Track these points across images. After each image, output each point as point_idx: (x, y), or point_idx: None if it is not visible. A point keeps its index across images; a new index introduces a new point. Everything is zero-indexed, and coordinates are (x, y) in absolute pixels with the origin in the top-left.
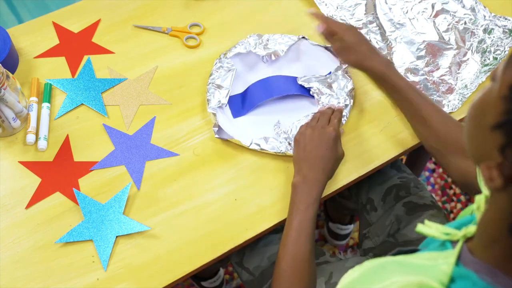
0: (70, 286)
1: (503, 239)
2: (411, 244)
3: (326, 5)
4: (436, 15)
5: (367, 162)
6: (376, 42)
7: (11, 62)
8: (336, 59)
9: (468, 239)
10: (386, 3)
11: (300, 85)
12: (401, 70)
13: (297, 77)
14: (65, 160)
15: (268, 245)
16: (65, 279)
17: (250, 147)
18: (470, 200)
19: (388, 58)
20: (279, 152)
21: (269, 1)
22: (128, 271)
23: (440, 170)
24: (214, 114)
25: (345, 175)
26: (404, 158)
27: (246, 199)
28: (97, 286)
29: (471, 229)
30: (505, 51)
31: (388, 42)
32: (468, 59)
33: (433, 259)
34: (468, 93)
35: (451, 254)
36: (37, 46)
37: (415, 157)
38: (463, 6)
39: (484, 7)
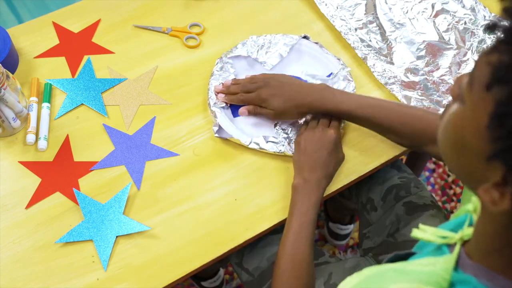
0: (70, 286)
1: (505, 249)
2: (411, 244)
3: (326, 5)
4: (436, 15)
5: (367, 162)
6: (376, 42)
7: (11, 62)
8: (337, 60)
9: (464, 242)
10: (386, 3)
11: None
12: (401, 70)
13: (299, 77)
14: (65, 160)
15: (267, 246)
16: (65, 279)
17: (249, 146)
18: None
19: (388, 58)
20: (278, 152)
21: (269, 1)
22: (128, 271)
23: (440, 170)
24: (215, 113)
25: (345, 175)
26: (404, 158)
27: (246, 199)
28: (97, 286)
29: (468, 231)
30: None
31: (388, 42)
32: (468, 59)
33: (431, 264)
34: None
35: (449, 259)
36: (37, 46)
37: (415, 157)
38: (463, 6)
39: (484, 7)
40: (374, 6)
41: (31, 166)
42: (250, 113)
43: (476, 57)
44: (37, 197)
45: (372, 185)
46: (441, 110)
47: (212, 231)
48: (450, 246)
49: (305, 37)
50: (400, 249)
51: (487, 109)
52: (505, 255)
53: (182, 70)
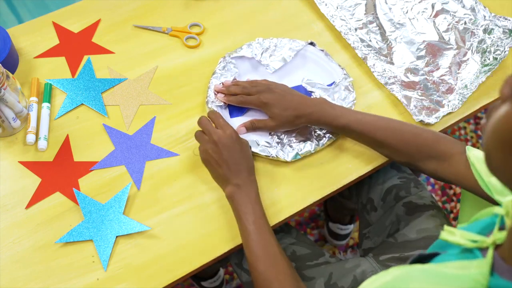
0: (70, 286)
1: None
2: (411, 244)
3: (326, 5)
4: (436, 15)
5: (367, 162)
6: (376, 42)
7: (11, 62)
8: (341, 69)
9: (497, 246)
10: (386, 3)
11: (303, 89)
12: (401, 70)
13: (300, 85)
14: (65, 160)
15: None
16: (65, 279)
17: None
18: None
19: (388, 58)
20: (270, 156)
21: (269, 1)
22: (128, 271)
23: None
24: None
25: (345, 175)
26: None
27: None
28: (97, 286)
29: (500, 235)
30: (505, 51)
31: (388, 42)
32: (468, 59)
33: (465, 268)
34: (468, 93)
35: (484, 263)
36: (37, 46)
37: None
38: (463, 6)
39: (484, 7)
40: (374, 6)
41: (31, 166)
42: (248, 130)
43: (476, 57)
44: (37, 197)
45: (372, 185)
46: (441, 110)
47: (212, 231)
48: (482, 250)
49: (311, 43)
50: (400, 249)
51: None
52: None
53: (182, 70)
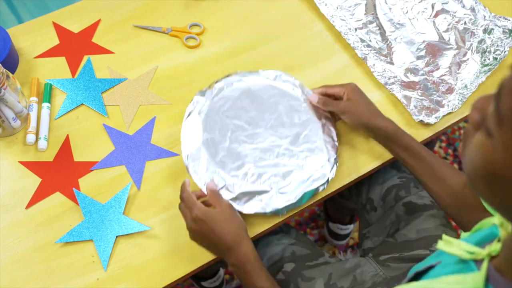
0: (70, 286)
1: None
2: (410, 244)
3: (326, 5)
4: (436, 15)
5: (367, 162)
6: (376, 42)
7: (11, 62)
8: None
9: (492, 257)
10: (386, 3)
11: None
12: (401, 70)
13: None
14: (65, 160)
15: (267, 246)
16: (65, 279)
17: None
18: None
19: (388, 58)
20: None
21: (269, 1)
22: (128, 271)
23: None
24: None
25: (345, 175)
26: None
27: None
28: (97, 286)
29: (496, 247)
30: (505, 51)
31: (388, 42)
32: (468, 59)
33: (460, 283)
34: (468, 93)
35: (479, 277)
36: (37, 46)
37: None
38: (463, 6)
39: (484, 7)
40: (374, 6)
41: (31, 166)
42: (319, 103)
43: (476, 57)
44: (37, 197)
45: (372, 185)
46: (441, 110)
47: None
48: (477, 261)
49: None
50: (400, 249)
51: None
52: None
53: (182, 70)
